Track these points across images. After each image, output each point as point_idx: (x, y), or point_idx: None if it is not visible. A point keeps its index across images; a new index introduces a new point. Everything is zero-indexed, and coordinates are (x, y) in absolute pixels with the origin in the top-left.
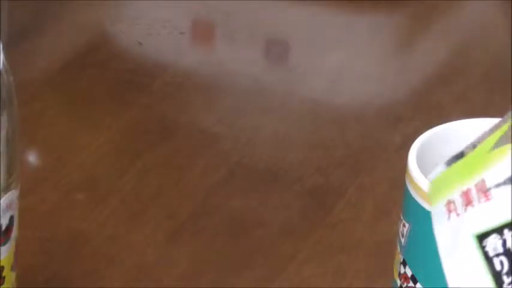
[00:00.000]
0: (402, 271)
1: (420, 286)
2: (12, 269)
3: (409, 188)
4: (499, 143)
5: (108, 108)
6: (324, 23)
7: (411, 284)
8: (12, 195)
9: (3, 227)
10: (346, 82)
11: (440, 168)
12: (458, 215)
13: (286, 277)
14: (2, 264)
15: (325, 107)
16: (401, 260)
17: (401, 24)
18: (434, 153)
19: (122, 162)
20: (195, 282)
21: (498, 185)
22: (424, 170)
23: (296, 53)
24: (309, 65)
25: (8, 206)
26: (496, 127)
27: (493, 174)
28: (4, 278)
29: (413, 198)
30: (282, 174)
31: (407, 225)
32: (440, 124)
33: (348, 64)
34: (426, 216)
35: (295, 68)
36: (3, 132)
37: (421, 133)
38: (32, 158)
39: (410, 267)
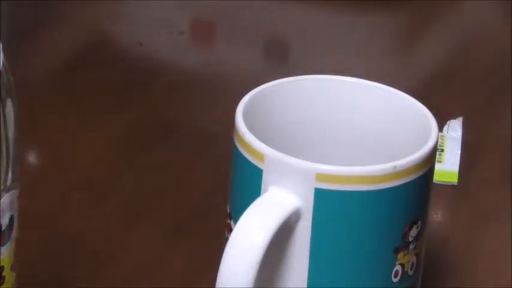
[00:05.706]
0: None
1: None
2: (12, 269)
3: (236, 144)
4: None
5: (108, 108)
6: (324, 23)
7: None
8: (12, 195)
9: (3, 227)
10: None
11: None
12: None
13: None
14: (2, 264)
15: None
16: (228, 212)
17: (401, 24)
18: (261, 110)
19: (121, 162)
20: (195, 282)
21: None
22: (251, 126)
23: (296, 53)
24: (309, 65)
25: (8, 206)
26: None
27: None
28: (4, 278)
29: (240, 153)
30: None
31: (234, 180)
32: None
33: (347, 64)
34: (249, 168)
35: (295, 68)
36: (3, 132)
37: None
38: (32, 158)
39: (234, 221)
